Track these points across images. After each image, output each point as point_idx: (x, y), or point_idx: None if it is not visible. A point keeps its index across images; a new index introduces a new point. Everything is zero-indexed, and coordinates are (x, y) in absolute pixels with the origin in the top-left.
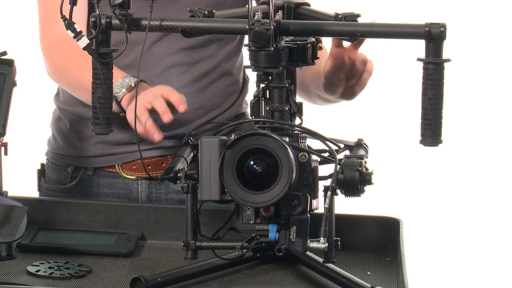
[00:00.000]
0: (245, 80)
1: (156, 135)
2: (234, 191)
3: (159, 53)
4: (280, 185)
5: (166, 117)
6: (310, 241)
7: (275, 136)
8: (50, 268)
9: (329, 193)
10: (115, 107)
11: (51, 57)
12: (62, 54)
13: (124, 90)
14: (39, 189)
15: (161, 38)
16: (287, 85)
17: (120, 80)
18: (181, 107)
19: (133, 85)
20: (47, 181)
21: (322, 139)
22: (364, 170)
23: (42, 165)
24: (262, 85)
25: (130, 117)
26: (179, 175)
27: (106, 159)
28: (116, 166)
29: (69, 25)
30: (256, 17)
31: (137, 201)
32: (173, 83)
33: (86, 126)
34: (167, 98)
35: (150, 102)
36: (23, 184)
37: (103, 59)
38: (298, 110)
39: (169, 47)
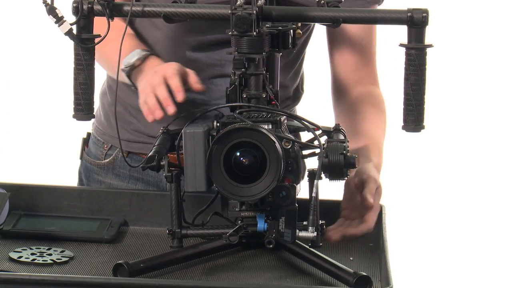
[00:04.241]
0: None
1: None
2: (222, 185)
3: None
4: (269, 178)
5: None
6: (299, 230)
7: (263, 130)
8: (32, 254)
9: (316, 181)
10: (126, 80)
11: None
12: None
13: (132, 62)
14: (81, 158)
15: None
16: (263, 72)
17: (130, 54)
18: (179, 96)
19: (141, 59)
20: (87, 153)
21: (304, 122)
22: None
23: (88, 134)
24: (238, 72)
25: (142, 103)
26: (162, 163)
27: (139, 146)
28: None
29: (51, 10)
30: (238, 3)
31: (165, 190)
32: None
33: (125, 109)
34: (168, 83)
35: (154, 87)
36: (6, 170)
37: (85, 44)
38: (275, 97)
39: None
